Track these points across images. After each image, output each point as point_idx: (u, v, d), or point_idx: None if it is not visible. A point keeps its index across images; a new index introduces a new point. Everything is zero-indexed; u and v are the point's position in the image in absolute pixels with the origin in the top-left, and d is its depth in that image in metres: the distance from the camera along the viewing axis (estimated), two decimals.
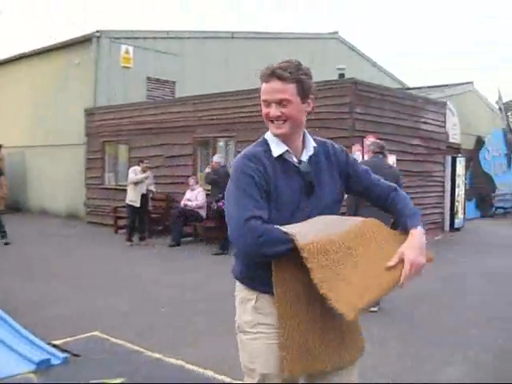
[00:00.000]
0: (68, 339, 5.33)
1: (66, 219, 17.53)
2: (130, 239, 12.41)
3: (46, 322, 6.01)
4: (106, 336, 5.54)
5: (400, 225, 2.37)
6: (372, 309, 6.30)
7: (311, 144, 2.37)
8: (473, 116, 20.94)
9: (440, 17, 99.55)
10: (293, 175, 2.29)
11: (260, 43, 21.50)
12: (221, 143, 13.68)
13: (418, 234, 2.26)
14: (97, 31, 17.34)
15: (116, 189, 15.71)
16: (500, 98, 24.32)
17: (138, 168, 12.53)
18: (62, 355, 4.76)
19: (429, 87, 21.40)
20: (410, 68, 77.73)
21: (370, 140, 9.45)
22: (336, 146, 2.50)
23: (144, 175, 12.43)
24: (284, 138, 2.30)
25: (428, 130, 14.09)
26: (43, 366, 4.53)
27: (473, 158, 20.30)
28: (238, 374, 4.43)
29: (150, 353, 5.08)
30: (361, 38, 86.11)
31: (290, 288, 2.15)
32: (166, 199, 14.30)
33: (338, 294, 2.05)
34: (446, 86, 21.14)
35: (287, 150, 2.30)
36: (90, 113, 17.20)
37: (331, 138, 2.71)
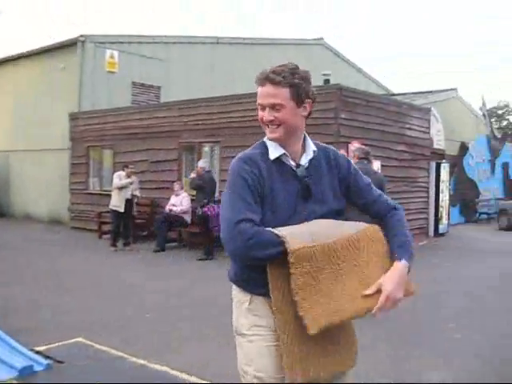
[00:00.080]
0: (51, 345, 5.27)
1: (49, 224, 17.41)
2: (114, 244, 12.34)
3: (29, 328, 5.94)
4: (89, 342, 5.49)
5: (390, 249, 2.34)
6: None
7: (311, 148, 2.36)
8: (457, 122, 21.10)
9: (440, 17, 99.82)
10: (290, 178, 2.28)
11: (245, 49, 21.57)
12: (206, 148, 13.66)
13: (400, 268, 2.23)
14: (81, 35, 17.29)
15: (100, 194, 15.63)
16: (484, 104, 24.59)
17: (122, 173, 12.48)
18: (44, 362, 4.70)
19: (413, 93, 21.55)
20: (411, 69, 78.31)
21: (355, 145, 9.49)
22: (339, 153, 2.49)
23: (128, 180, 12.38)
24: (279, 142, 2.29)
25: (413, 136, 14.17)
26: (26, 373, 4.47)
27: (457, 164, 20.45)
28: (223, 379, 4.44)
29: (134, 359, 5.03)
30: (346, 43, 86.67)
31: (287, 291, 2.12)
32: (151, 204, 14.25)
33: (310, 305, 2.06)
34: (430, 92, 21.30)
35: (284, 153, 2.29)
36: (74, 117, 17.11)
37: None
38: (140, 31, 72.89)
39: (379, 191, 2.49)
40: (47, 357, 4.87)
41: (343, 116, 11.37)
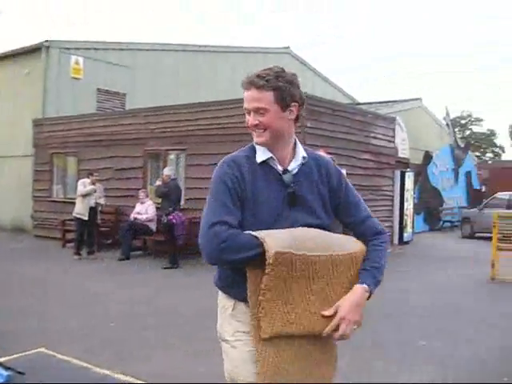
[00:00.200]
0: (13, 356, 5.17)
1: (12, 232, 17.12)
2: (78, 253, 12.19)
3: None
4: (52, 352, 5.39)
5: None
6: None
7: (301, 154, 2.33)
8: (421, 131, 21.42)
9: (440, 17, 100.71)
10: (275, 183, 2.26)
11: (211, 56, 21.55)
12: (172, 156, 13.59)
13: (359, 292, 2.21)
14: (46, 41, 17.10)
15: (64, 202, 15.41)
16: (447, 114, 24.98)
17: (87, 180, 12.36)
18: (5, 373, 4.59)
19: (379, 103, 21.84)
20: (412, 69, 78.65)
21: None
22: (334, 166, 2.46)
23: (93, 187, 12.26)
24: (266, 147, 2.28)
25: (378, 145, 14.33)
26: None
27: (421, 173, 20.72)
28: None
29: (98, 369, 4.96)
30: (346, 43, 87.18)
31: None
32: (115, 212, 14.11)
33: (271, 309, 2.05)
34: (395, 101, 21.60)
35: (271, 157, 2.27)
36: (38, 123, 16.87)
37: None
38: (140, 31, 72.97)
39: (368, 211, 2.45)
40: (7, 368, 4.75)
41: (309, 125, 11.44)
